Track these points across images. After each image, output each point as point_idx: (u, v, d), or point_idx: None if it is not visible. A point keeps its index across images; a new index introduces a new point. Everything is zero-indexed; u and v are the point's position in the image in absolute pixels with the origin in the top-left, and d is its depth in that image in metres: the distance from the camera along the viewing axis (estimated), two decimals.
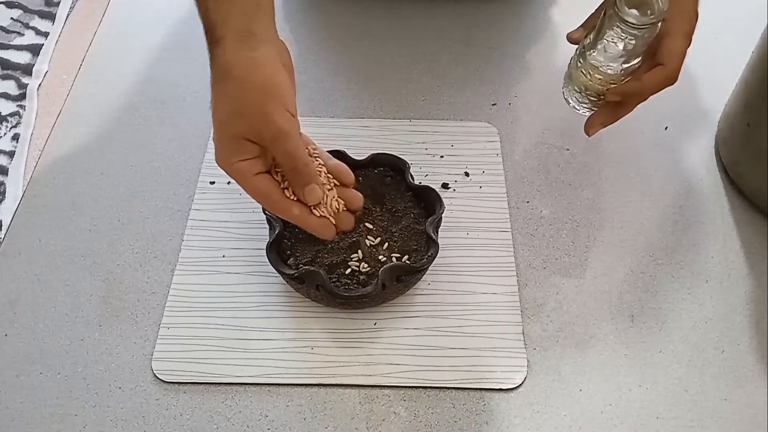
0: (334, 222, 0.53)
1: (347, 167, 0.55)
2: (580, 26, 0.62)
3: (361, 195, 0.55)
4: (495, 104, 0.76)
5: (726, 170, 0.71)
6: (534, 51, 0.82)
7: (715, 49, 0.79)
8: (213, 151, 0.70)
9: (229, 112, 0.48)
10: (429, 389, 0.57)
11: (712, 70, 0.79)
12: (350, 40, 0.83)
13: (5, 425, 0.55)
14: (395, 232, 0.60)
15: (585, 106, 0.63)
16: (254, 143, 0.49)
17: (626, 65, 0.58)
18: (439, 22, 0.85)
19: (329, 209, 0.52)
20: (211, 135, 0.52)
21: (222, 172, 0.68)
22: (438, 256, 0.58)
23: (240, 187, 0.51)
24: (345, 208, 0.54)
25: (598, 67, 0.58)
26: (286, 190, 0.51)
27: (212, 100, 0.49)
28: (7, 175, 1.49)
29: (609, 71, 0.58)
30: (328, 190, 0.53)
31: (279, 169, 0.51)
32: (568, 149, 0.72)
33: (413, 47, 0.82)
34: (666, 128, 0.74)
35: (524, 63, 0.81)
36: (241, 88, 0.47)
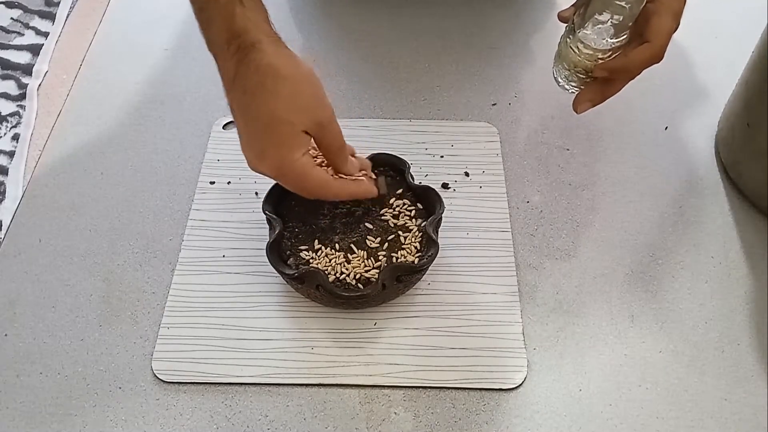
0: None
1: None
2: (572, 5, 0.63)
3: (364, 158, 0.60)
4: (495, 104, 0.76)
5: (726, 170, 0.71)
6: (534, 51, 0.82)
7: (715, 49, 0.79)
8: (213, 151, 0.71)
9: (289, 108, 0.50)
10: (429, 389, 0.57)
11: (712, 70, 0.79)
12: (350, 40, 0.83)
13: (5, 425, 0.55)
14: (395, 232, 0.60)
15: (573, 84, 0.64)
16: (308, 134, 0.52)
17: (614, 40, 0.58)
18: (439, 22, 0.85)
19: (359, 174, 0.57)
20: (244, 141, 0.52)
21: (221, 172, 0.69)
22: (438, 256, 0.58)
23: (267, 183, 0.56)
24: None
25: (586, 43, 0.59)
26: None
27: (253, 105, 0.50)
28: (7, 175, 1.49)
29: (597, 46, 0.59)
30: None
31: (320, 154, 0.55)
32: (568, 149, 0.72)
33: (413, 48, 0.82)
34: (666, 128, 0.74)
35: (524, 63, 0.81)
36: (296, 83, 0.50)
